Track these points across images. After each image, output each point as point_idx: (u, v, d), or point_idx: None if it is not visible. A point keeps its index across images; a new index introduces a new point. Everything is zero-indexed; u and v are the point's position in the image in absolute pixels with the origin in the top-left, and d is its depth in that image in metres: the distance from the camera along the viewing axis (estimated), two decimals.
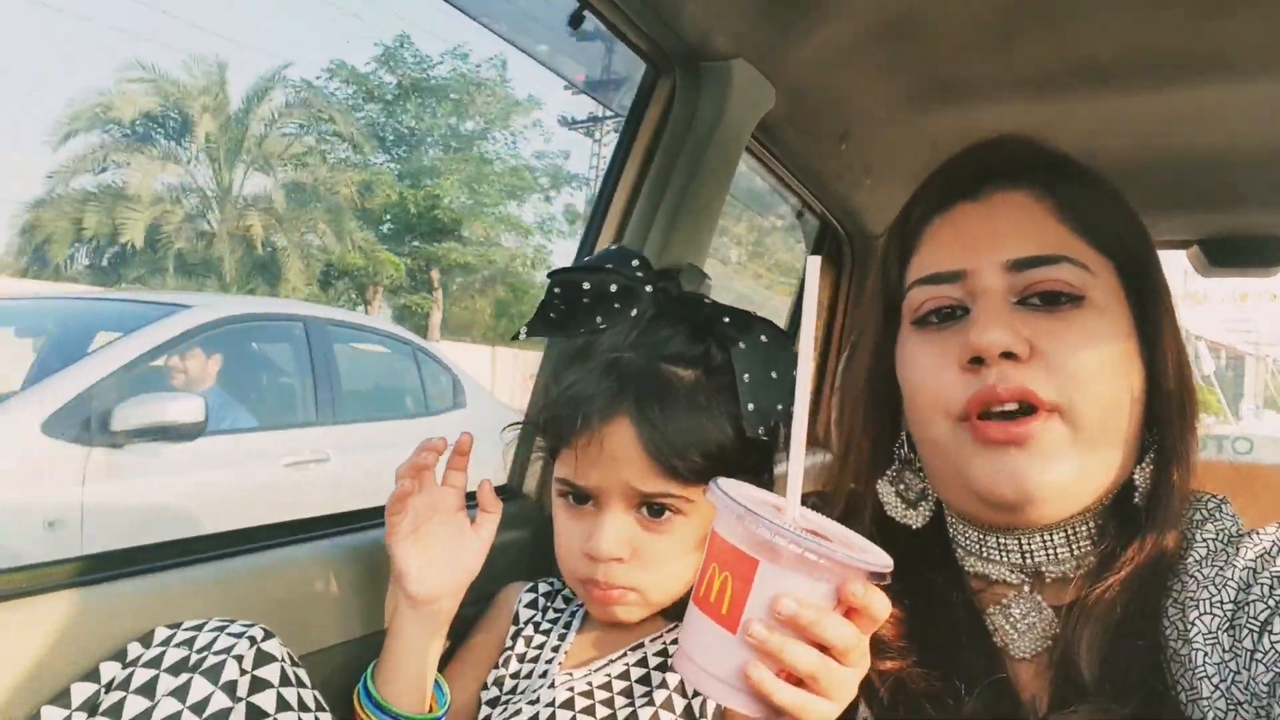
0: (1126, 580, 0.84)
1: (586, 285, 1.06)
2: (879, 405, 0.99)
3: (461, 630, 1.13)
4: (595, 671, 1.04)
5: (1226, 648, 0.77)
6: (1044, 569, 0.89)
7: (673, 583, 1.03)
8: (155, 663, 0.80)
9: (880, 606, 0.68)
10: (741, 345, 1.03)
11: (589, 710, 0.99)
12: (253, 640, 0.81)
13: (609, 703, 1.00)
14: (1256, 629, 0.76)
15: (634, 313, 1.05)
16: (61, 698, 0.78)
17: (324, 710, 0.84)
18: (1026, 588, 0.90)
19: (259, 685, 0.79)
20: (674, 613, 1.07)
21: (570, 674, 1.04)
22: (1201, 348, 15.22)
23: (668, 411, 0.98)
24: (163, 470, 3.97)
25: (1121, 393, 0.86)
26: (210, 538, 1.02)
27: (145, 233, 19.74)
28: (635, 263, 1.09)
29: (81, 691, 0.79)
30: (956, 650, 0.90)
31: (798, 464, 0.71)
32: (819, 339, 2.91)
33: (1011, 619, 0.90)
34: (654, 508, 1.00)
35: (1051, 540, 0.89)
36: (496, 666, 1.11)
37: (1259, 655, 0.74)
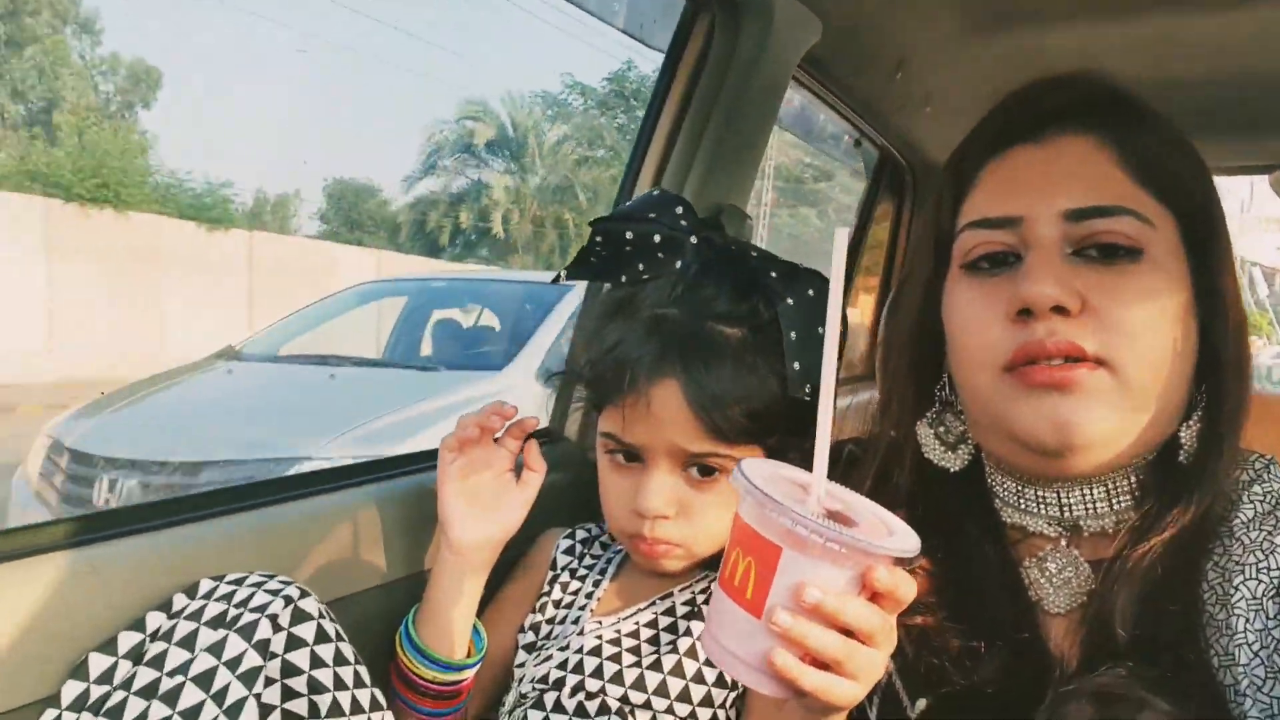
0: (1168, 542, 0.81)
1: (630, 235, 1.04)
2: (923, 349, 0.97)
3: (500, 575, 1.16)
4: (624, 620, 1.06)
5: (1271, 614, 0.75)
6: (1082, 523, 0.88)
7: (719, 536, 1.04)
8: (196, 615, 0.84)
9: (906, 590, 0.68)
10: (789, 301, 1.01)
11: (615, 658, 1.01)
12: (288, 600, 0.83)
13: (635, 650, 1.02)
14: None
15: (678, 264, 1.03)
16: (109, 645, 0.82)
17: (360, 664, 0.87)
18: (1064, 542, 0.89)
19: (294, 643, 0.82)
20: (711, 562, 1.08)
21: (600, 622, 1.07)
22: (1256, 273, 14.77)
23: (715, 372, 0.97)
24: None
25: (1172, 352, 0.82)
26: (257, 485, 1.05)
27: (500, 224, 29.22)
28: (679, 210, 1.07)
29: (128, 640, 0.83)
30: (988, 603, 0.89)
31: (824, 442, 0.69)
32: (881, 270, 2.86)
33: (1047, 573, 0.89)
34: (702, 467, 1.01)
35: (1091, 494, 0.87)
36: (533, 612, 1.13)
37: None
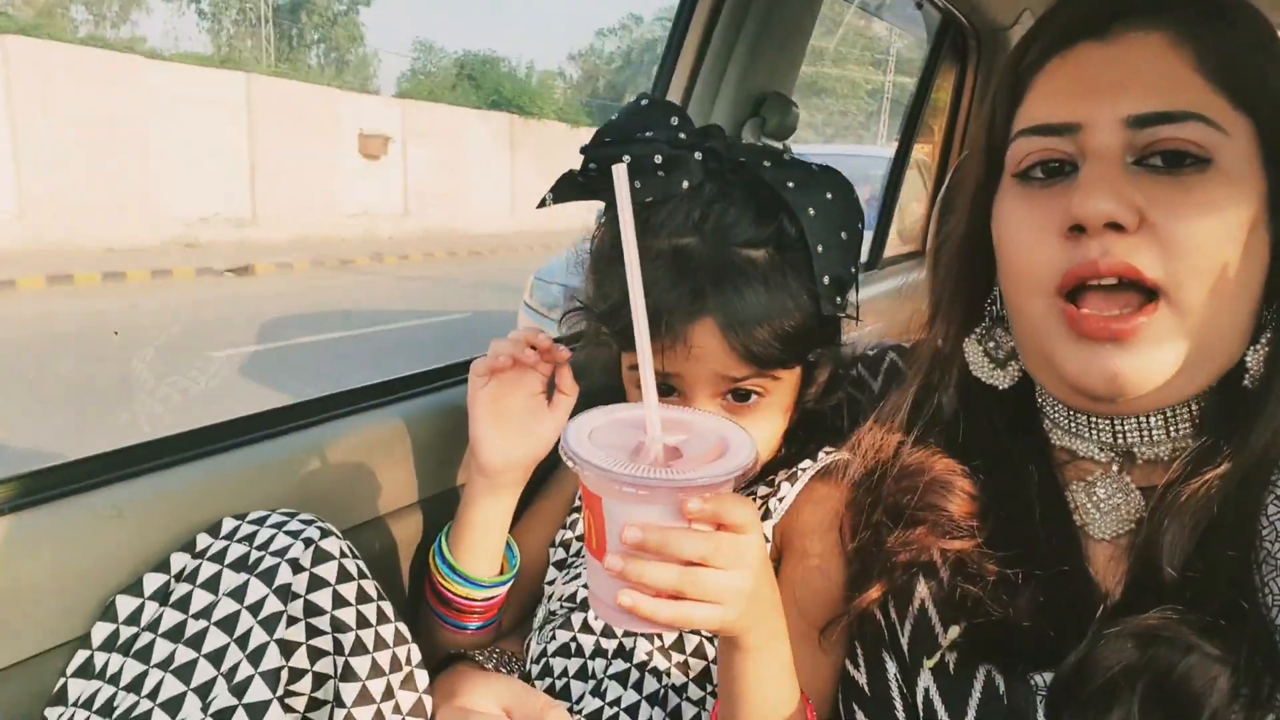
0: (1226, 474, 0.77)
1: (627, 159, 0.97)
2: (974, 262, 0.92)
3: (534, 489, 1.15)
4: None
5: None
6: (1136, 450, 0.84)
7: (762, 457, 1.02)
8: (220, 557, 0.84)
9: (732, 511, 0.71)
10: (811, 211, 0.96)
11: None
12: (309, 541, 0.83)
13: None
14: None
15: (684, 184, 0.97)
16: (134, 587, 0.84)
17: (384, 599, 0.87)
18: (1115, 467, 0.85)
19: (316, 583, 0.82)
20: (758, 476, 1.06)
21: None
22: None
23: (749, 301, 0.94)
24: None
25: (1239, 271, 0.76)
26: (277, 412, 1.05)
27: None
28: (675, 121, 1.00)
29: (153, 581, 0.84)
30: (1031, 526, 0.86)
31: (649, 380, 0.75)
32: (940, 139, 2.73)
33: (1095, 498, 0.85)
34: (739, 393, 0.99)
35: (1148, 423, 0.82)
36: (564, 528, 1.13)
37: None
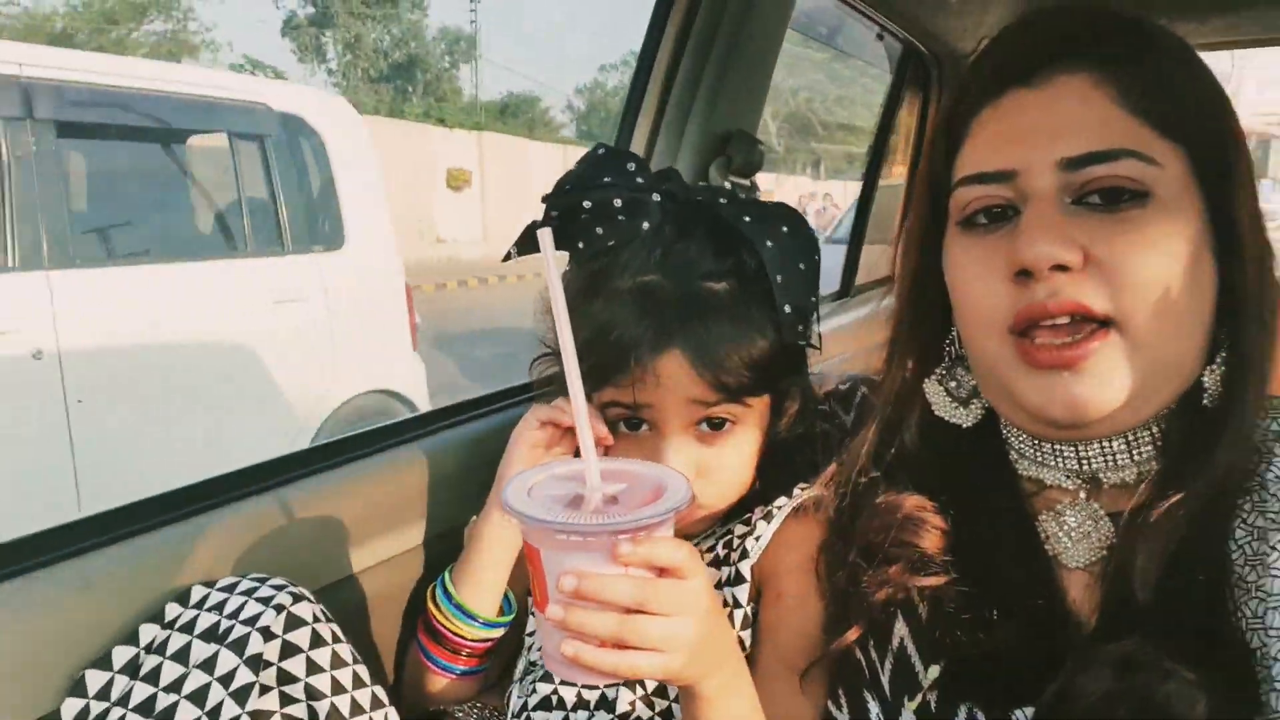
0: (1192, 496, 0.78)
1: (587, 204, 0.99)
2: (926, 303, 0.93)
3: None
4: None
5: None
6: (1102, 475, 0.84)
7: (734, 488, 1.03)
8: (189, 627, 0.83)
9: (666, 554, 0.71)
10: (769, 244, 0.98)
11: None
12: (280, 608, 0.82)
13: None
14: None
15: (645, 225, 0.99)
16: (104, 660, 0.82)
17: (360, 663, 0.86)
18: (1083, 494, 0.86)
19: (289, 650, 0.81)
20: (731, 514, 1.07)
21: None
22: None
23: (715, 332, 0.95)
24: None
25: (1187, 296, 0.77)
26: (245, 473, 1.03)
27: None
28: (631, 166, 1.02)
29: (122, 655, 0.83)
30: (1004, 558, 0.86)
31: (585, 434, 0.76)
32: (909, 161, 2.76)
33: (1066, 527, 0.85)
34: (713, 422, 0.99)
35: (1111, 447, 0.83)
36: None
37: None
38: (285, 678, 0.79)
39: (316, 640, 0.82)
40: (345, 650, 0.84)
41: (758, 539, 1.00)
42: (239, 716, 0.75)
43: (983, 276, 0.82)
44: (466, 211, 20.22)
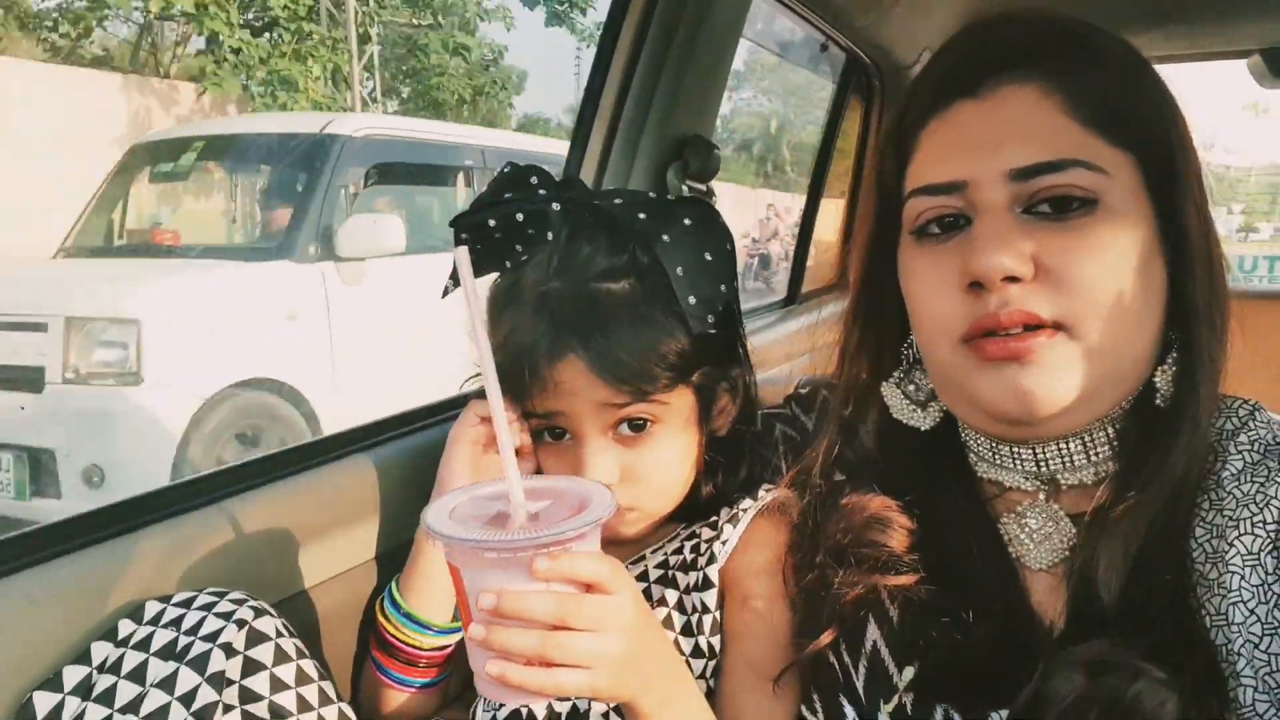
0: (1151, 496, 0.79)
1: (493, 222, 0.99)
2: (883, 309, 0.94)
3: None
4: None
5: (1270, 570, 0.73)
6: (1060, 476, 0.85)
7: (668, 489, 1.02)
8: (145, 644, 0.79)
9: (587, 568, 0.71)
10: (665, 238, 0.97)
11: None
12: (242, 623, 0.79)
13: None
14: None
15: (548, 236, 0.98)
16: (53, 681, 0.78)
17: (325, 679, 0.83)
18: (1042, 496, 0.86)
19: (252, 667, 0.78)
20: (680, 515, 1.06)
21: None
22: None
23: (613, 334, 0.94)
24: None
25: (1137, 302, 0.79)
26: (196, 483, 1.00)
27: None
28: (534, 180, 1.02)
29: (73, 675, 0.79)
30: (969, 561, 0.87)
31: (509, 455, 0.75)
32: (850, 178, 2.79)
33: (1028, 529, 0.86)
34: (633, 422, 0.98)
35: (1067, 448, 0.84)
36: None
37: None
38: (248, 696, 0.76)
39: (280, 656, 0.79)
40: (310, 666, 0.81)
41: (724, 543, 0.99)
42: None
43: (936, 287, 0.83)
44: None
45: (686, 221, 0.99)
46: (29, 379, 4.23)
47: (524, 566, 0.69)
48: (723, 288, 0.99)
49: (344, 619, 1.08)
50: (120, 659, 0.78)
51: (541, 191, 1.01)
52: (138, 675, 0.77)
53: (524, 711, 0.98)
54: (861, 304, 0.97)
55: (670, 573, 1.02)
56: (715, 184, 1.53)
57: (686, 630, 0.98)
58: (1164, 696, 0.72)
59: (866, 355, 0.97)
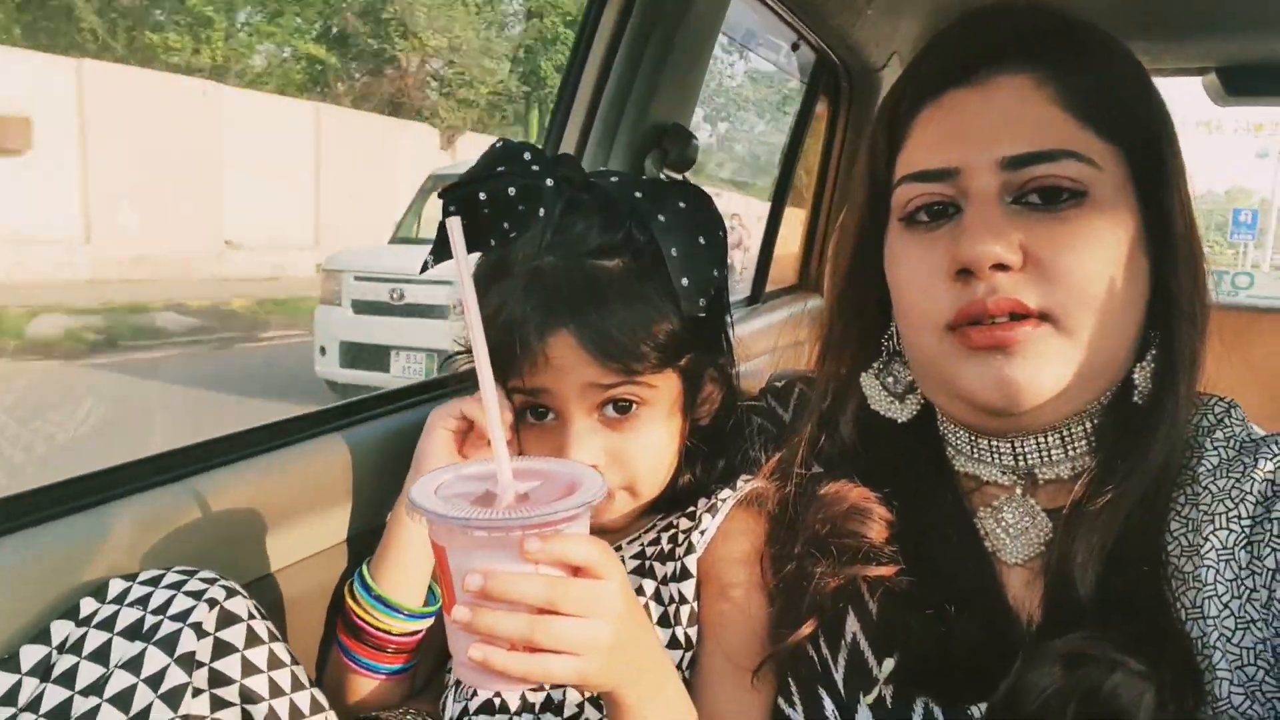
0: (1128, 491, 0.79)
1: (483, 196, 0.97)
2: (866, 299, 0.94)
3: None
4: None
5: (1243, 564, 0.74)
6: (1037, 471, 0.86)
7: (654, 473, 1.01)
8: (109, 624, 0.76)
9: (578, 551, 0.69)
10: (661, 218, 0.96)
11: None
12: (213, 602, 0.76)
13: None
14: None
15: (540, 212, 0.97)
16: (9, 662, 0.74)
17: (298, 664, 0.81)
18: (1019, 490, 0.87)
19: (222, 649, 0.75)
20: (658, 506, 1.05)
21: None
22: None
23: (606, 310, 0.93)
24: None
25: (1121, 296, 0.80)
26: (164, 457, 0.96)
27: None
28: (527, 156, 1.00)
29: (31, 654, 0.75)
30: (947, 554, 0.87)
31: (498, 434, 0.73)
32: (815, 179, 2.80)
33: (1004, 523, 0.87)
34: (619, 404, 0.97)
35: (1045, 442, 0.85)
36: None
37: None
38: (218, 679, 0.73)
39: (252, 639, 0.76)
40: (282, 650, 0.79)
41: (703, 533, 0.98)
42: None
43: (924, 274, 0.83)
44: None
45: (681, 204, 0.98)
46: (433, 311, 6.80)
47: (513, 547, 0.67)
48: (715, 272, 0.98)
49: (311, 603, 1.05)
50: (82, 638, 0.74)
51: (535, 168, 0.99)
52: (101, 655, 0.73)
53: (497, 702, 0.96)
54: (845, 295, 0.96)
55: (647, 563, 1.01)
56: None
57: (663, 621, 0.97)
58: (1141, 688, 0.72)
59: (847, 347, 0.96)
